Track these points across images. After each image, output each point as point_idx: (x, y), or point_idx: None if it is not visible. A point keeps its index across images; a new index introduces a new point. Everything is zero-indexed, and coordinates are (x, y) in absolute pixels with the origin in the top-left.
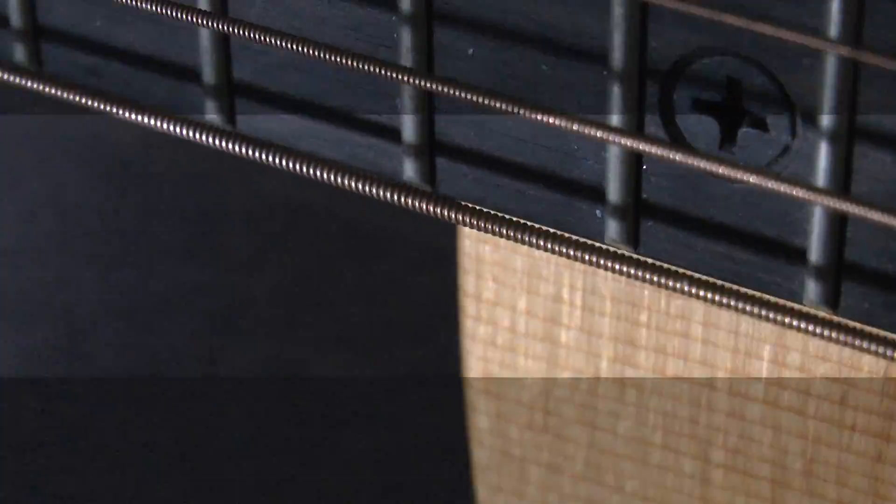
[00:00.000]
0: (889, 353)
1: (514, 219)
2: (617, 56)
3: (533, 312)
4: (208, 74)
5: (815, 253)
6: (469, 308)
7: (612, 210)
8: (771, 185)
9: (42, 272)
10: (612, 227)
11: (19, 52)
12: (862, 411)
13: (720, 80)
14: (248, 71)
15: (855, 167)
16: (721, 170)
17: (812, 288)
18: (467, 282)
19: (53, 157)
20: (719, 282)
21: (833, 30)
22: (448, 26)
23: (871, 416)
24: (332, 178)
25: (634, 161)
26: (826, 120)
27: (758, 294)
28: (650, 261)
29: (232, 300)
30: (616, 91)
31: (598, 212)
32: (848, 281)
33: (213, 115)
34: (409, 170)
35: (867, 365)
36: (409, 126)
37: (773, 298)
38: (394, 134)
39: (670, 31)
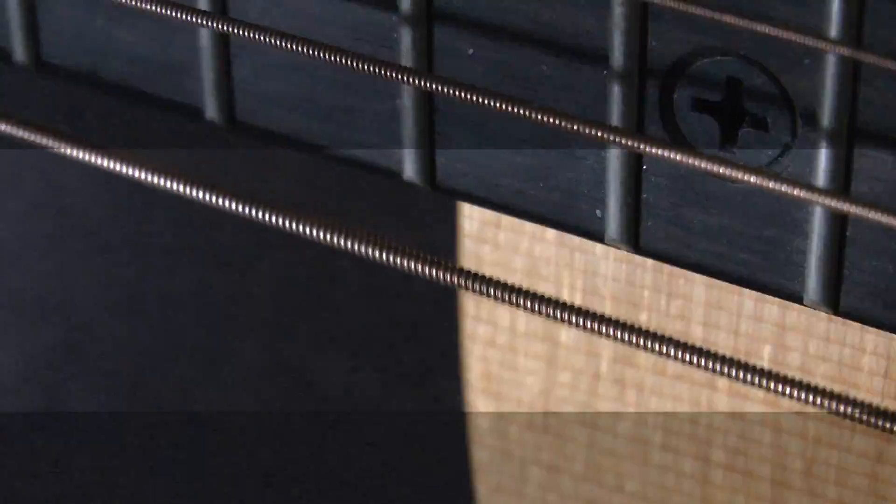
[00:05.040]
0: (879, 422)
1: (512, 284)
2: (617, 56)
3: None
4: (208, 74)
5: (815, 253)
6: (469, 308)
7: (612, 210)
8: (771, 185)
9: (42, 272)
10: (612, 227)
11: (19, 52)
12: None
13: (720, 80)
14: (248, 71)
15: (855, 167)
16: (721, 170)
17: (812, 288)
18: None
19: (53, 157)
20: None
21: (833, 30)
22: (448, 26)
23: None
24: (325, 236)
25: (634, 161)
26: (826, 120)
27: (752, 363)
28: (645, 328)
29: (232, 300)
30: (616, 91)
31: (598, 211)
32: (848, 281)
33: (212, 115)
34: (410, 170)
35: (867, 365)
36: (409, 126)
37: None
38: (394, 134)
39: (670, 31)
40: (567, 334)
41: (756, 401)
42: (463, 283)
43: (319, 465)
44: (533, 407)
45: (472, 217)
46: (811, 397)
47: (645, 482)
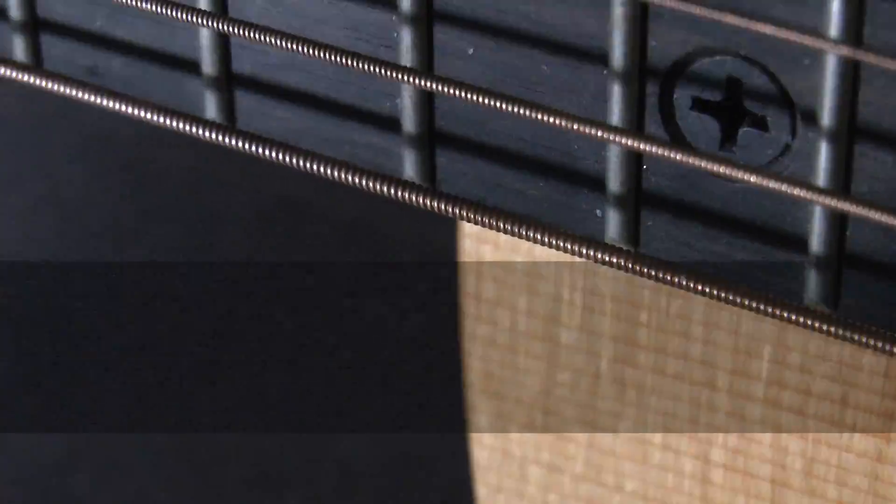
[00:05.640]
0: (888, 347)
1: (514, 213)
2: (617, 56)
3: (533, 311)
4: (208, 74)
5: (815, 252)
6: (469, 307)
7: (612, 210)
8: (771, 184)
9: (42, 272)
10: (613, 227)
11: (19, 49)
12: (862, 411)
13: (720, 80)
14: (248, 70)
15: (855, 167)
16: (721, 169)
17: (812, 287)
18: (467, 282)
19: (53, 157)
20: (717, 277)
21: (833, 30)
22: (448, 26)
23: (871, 416)
24: (334, 173)
25: (634, 161)
26: (826, 119)
27: (756, 290)
28: (648, 254)
29: (232, 300)
30: (616, 91)
31: (598, 212)
32: (848, 280)
33: (212, 115)
34: (410, 170)
35: (867, 364)
36: (409, 126)
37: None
38: (394, 134)
39: (670, 31)
40: (567, 334)
41: (756, 400)
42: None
43: (319, 465)
44: (533, 406)
45: None
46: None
47: (645, 482)
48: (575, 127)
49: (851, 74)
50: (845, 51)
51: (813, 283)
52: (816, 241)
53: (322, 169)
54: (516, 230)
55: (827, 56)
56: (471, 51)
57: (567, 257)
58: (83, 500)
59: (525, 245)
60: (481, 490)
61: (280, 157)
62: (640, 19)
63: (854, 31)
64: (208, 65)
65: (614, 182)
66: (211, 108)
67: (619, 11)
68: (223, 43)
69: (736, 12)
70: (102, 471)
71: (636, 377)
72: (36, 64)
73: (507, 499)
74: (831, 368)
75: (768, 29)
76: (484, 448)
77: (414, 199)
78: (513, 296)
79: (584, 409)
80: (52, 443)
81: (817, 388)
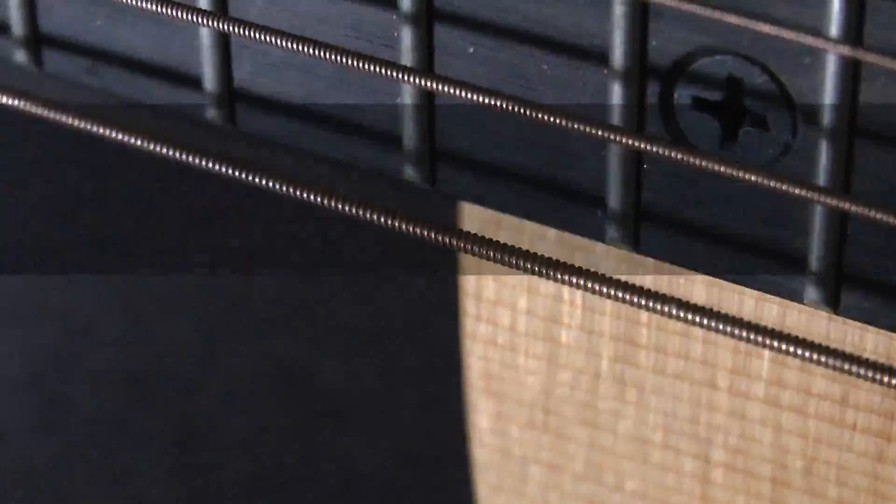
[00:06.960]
0: (882, 378)
1: (513, 245)
2: (617, 55)
3: (533, 311)
4: (208, 74)
5: (815, 252)
6: (469, 307)
7: (612, 209)
8: (771, 184)
9: (42, 272)
10: (613, 227)
11: (19, 52)
12: (862, 411)
13: (721, 79)
14: (249, 70)
15: (855, 166)
16: (722, 169)
17: (812, 287)
18: (467, 281)
19: (53, 157)
20: (716, 309)
21: (833, 29)
22: (448, 25)
23: (871, 416)
24: (333, 204)
25: (635, 160)
26: (827, 119)
27: (753, 321)
28: (647, 287)
29: (232, 300)
30: (616, 90)
31: (598, 211)
32: (848, 280)
33: (213, 115)
34: (410, 169)
35: None
36: (409, 125)
37: (768, 325)
38: (394, 133)
39: (671, 30)
40: (567, 334)
41: (756, 400)
42: (461, 245)
43: (319, 465)
44: (533, 406)
45: (471, 217)
46: (814, 355)
47: (645, 481)
48: (575, 127)
49: (851, 74)
50: (845, 50)
51: (813, 282)
52: (816, 241)
53: (328, 202)
54: (521, 264)
55: (827, 55)
56: (471, 50)
57: (567, 257)
58: (82, 497)
59: (525, 245)
60: (481, 490)
61: (277, 186)
62: (641, 18)
63: (854, 31)
64: (208, 65)
65: (615, 182)
66: (211, 107)
67: (619, 10)
68: (223, 42)
69: (736, 12)
70: (100, 470)
71: (636, 377)
72: (36, 64)
73: (507, 499)
74: None
75: (768, 28)
76: (484, 448)
77: (421, 232)
78: (513, 296)
79: (584, 408)
80: (52, 441)
81: (817, 387)
